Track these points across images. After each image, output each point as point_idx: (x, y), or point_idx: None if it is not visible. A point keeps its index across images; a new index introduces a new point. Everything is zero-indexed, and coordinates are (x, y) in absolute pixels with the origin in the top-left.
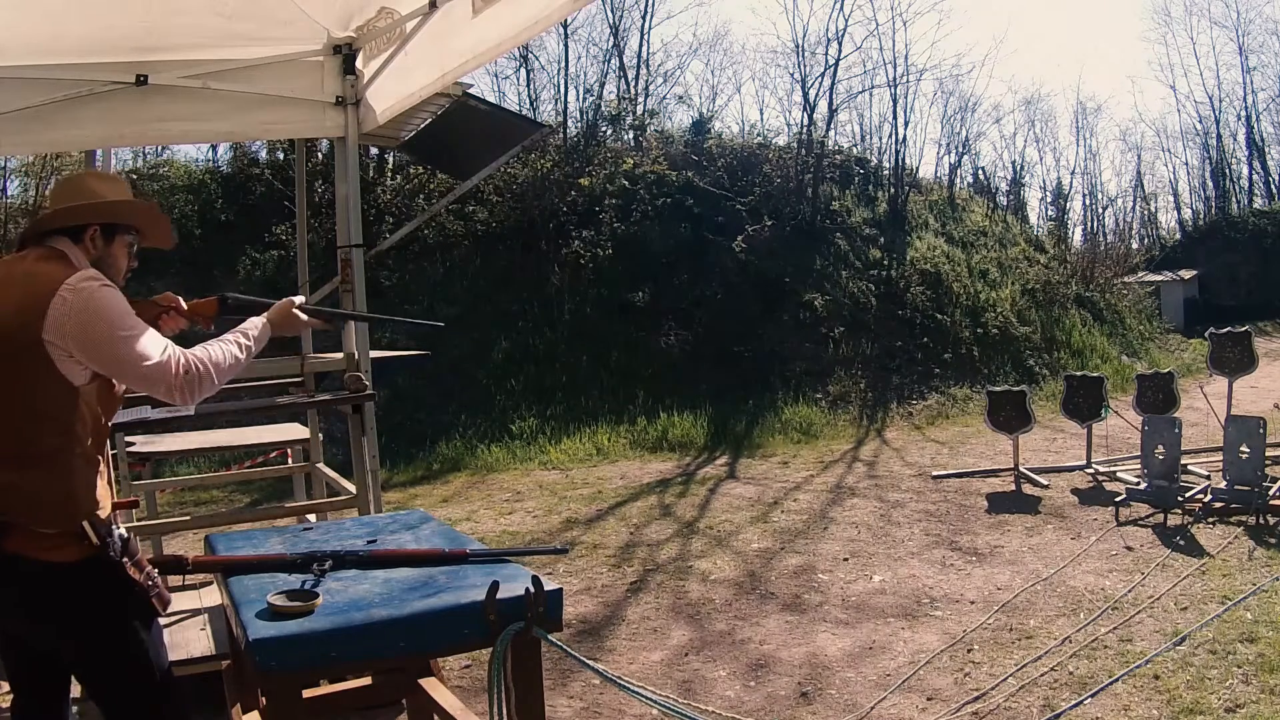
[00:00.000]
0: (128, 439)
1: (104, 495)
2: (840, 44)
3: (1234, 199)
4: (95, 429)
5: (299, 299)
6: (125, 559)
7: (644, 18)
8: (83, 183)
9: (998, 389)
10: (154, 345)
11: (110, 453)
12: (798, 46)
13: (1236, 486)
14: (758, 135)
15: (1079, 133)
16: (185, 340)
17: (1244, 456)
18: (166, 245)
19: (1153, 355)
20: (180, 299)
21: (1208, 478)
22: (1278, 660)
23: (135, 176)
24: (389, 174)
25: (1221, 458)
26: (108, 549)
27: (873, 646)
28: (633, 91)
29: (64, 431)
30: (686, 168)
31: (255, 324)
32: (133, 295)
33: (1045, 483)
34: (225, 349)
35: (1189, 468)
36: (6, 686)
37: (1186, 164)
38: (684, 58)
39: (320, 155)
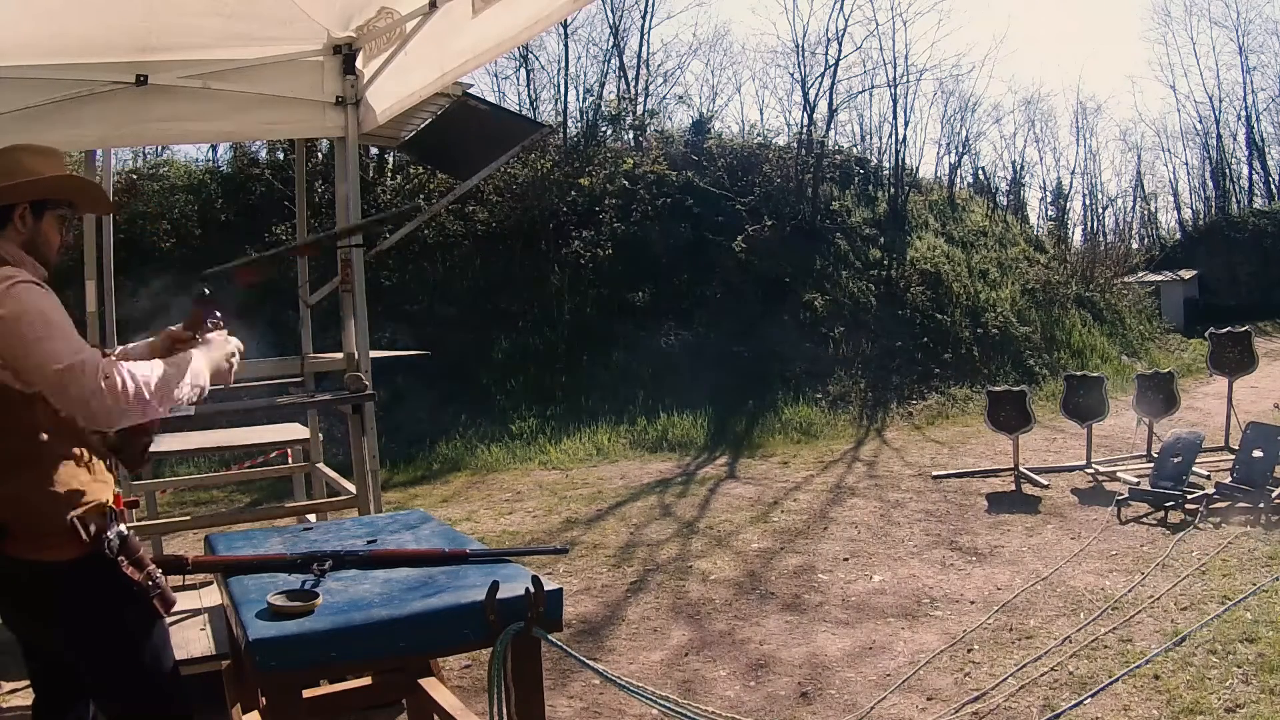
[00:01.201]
0: None
1: (94, 488)
2: (840, 44)
3: (1234, 199)
4: (65, 425)
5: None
6: (122, 557)
7: (644, 18)
8: (14, 158)
9: (998, 389)
10: (67, 347)
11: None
12: (798, 46)
13: (1241, 487)
14: (758, 135)
15: (1079, 133)
16: None
17: (1257, 457)
18: (105, 211)
19: (1153, 355)
20: (176, 329)
21: (1208, 477)
22: (1278, 660)
23: (135, 176)
24: (389, 174)
25: (1220, 458)
26: (103, 546)
27: (873, 646)
28: (633, 91)
29: (28, 438)
30: (686, 168)
31: (188, 354)
32: (130, 294)
33: (1045, 483)
34: (150, 365)
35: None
36: (8, 686)
37: (1186, 164)
38: (684, 58)
39: (320, 155)
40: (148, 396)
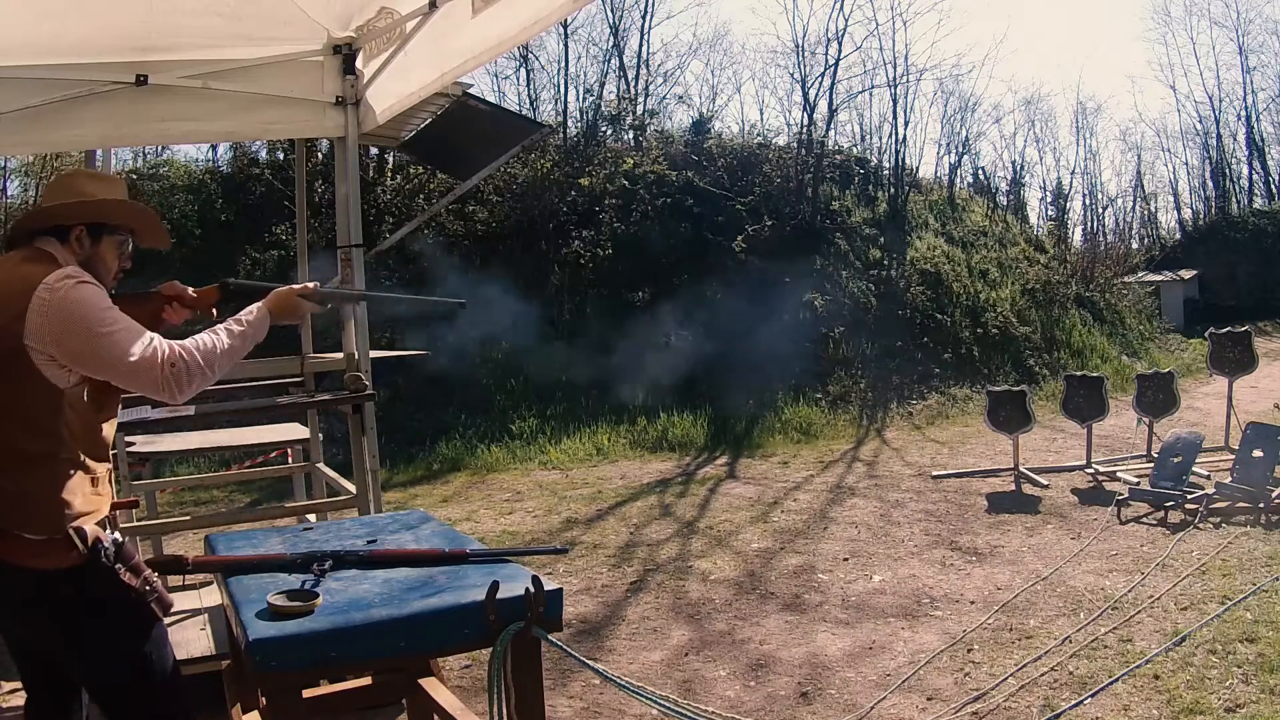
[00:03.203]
0: (128, 439)
1: (95, 501)
2: (840, 44)
3: (1234, 199)
4: (85, 433)
5: (307, 285)
6: (119, 565)
7: (644, 18)
8: (72, 182)
9: (998, 389)
10: (135, 340)
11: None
12: (798, 46)
13: (1241, 487)
14: (758, 135)
15: (1079, 133)
16: (188, 331)
17: (1257, 457)
18: (163, 245)
19: (1153, 355)
20: (186, 287)
21: (1208, 477)
22: (1278, 660)
23: (135, 176)
24: (389, 174)
25: (1220, 458)
26: (99, 555)
27: (873, 646)
28: (633, 91)
29: (48, 436)
30: (686, 168)
31: (252, 310)
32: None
33: (1045, 483)
34: (216, 338)
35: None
36: (8, 686)
37: (1186, 164)
38: (684, 58)
39: (320, 155)
40: (209, 370)
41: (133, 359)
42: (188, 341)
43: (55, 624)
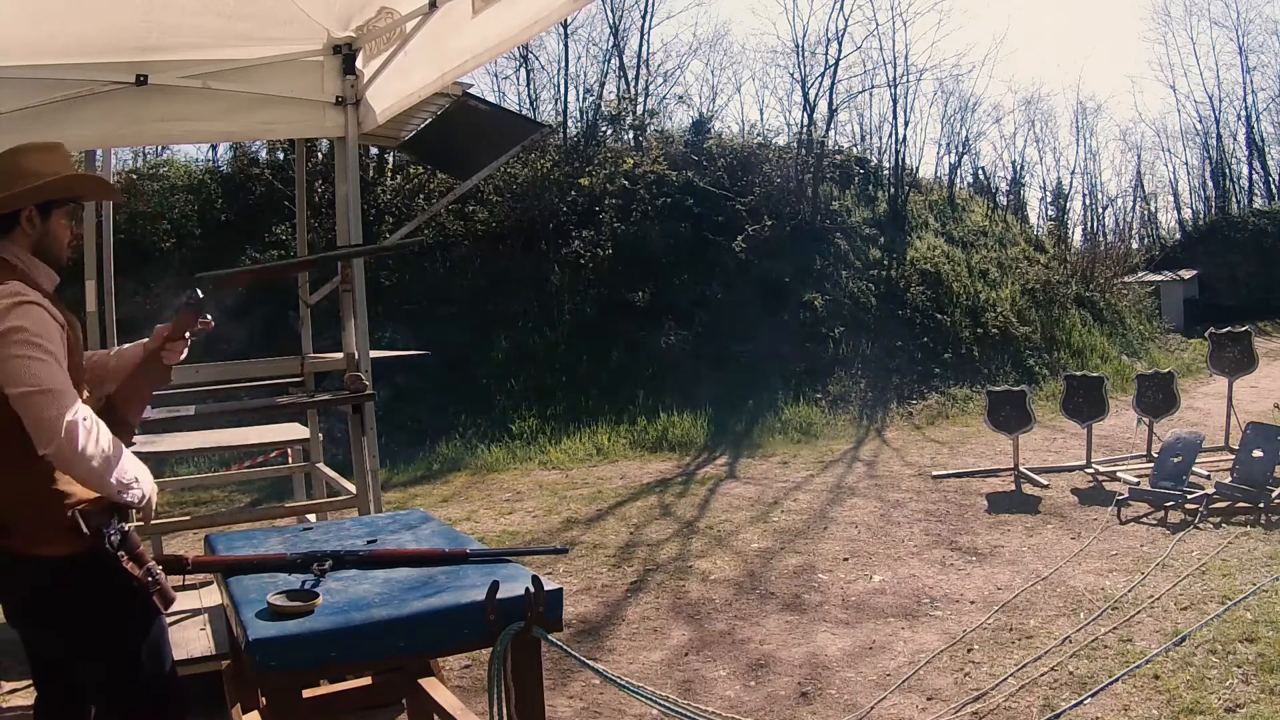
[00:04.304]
0: None
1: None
2: (840, 44)
3: (1234, 199)
4: None
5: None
6: (122, 553)
7: (644, 18)
8: (15, 162)
9: (998, 389)
10: (47, 377)
11: None
12: (798, 46)
13: (1241, 487)
14: (758, 135)
15: (1079, 133)
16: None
17: (1257, 457)
18: (116, 199)
19: (1153, 355)
20: (162, 327)
21: (1208, 477)
22: (1278, 660)
23: (135, 176)
24: (389, 174)
25: (1220, 458)
26: (103, 540)
27: (873, 646)
28: (633, 91)
29: (24, 438)
30: (686, 168)
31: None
32: (131, 295)
33: (1045, 482)
34: (112, 448)
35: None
36: (9, 686)
37: (1186, 164)
38: (684, 58)
39: (320, 155)
40: (95, 465)
41: (27, 390)
42: (104, 429)
43: (58, 612)
